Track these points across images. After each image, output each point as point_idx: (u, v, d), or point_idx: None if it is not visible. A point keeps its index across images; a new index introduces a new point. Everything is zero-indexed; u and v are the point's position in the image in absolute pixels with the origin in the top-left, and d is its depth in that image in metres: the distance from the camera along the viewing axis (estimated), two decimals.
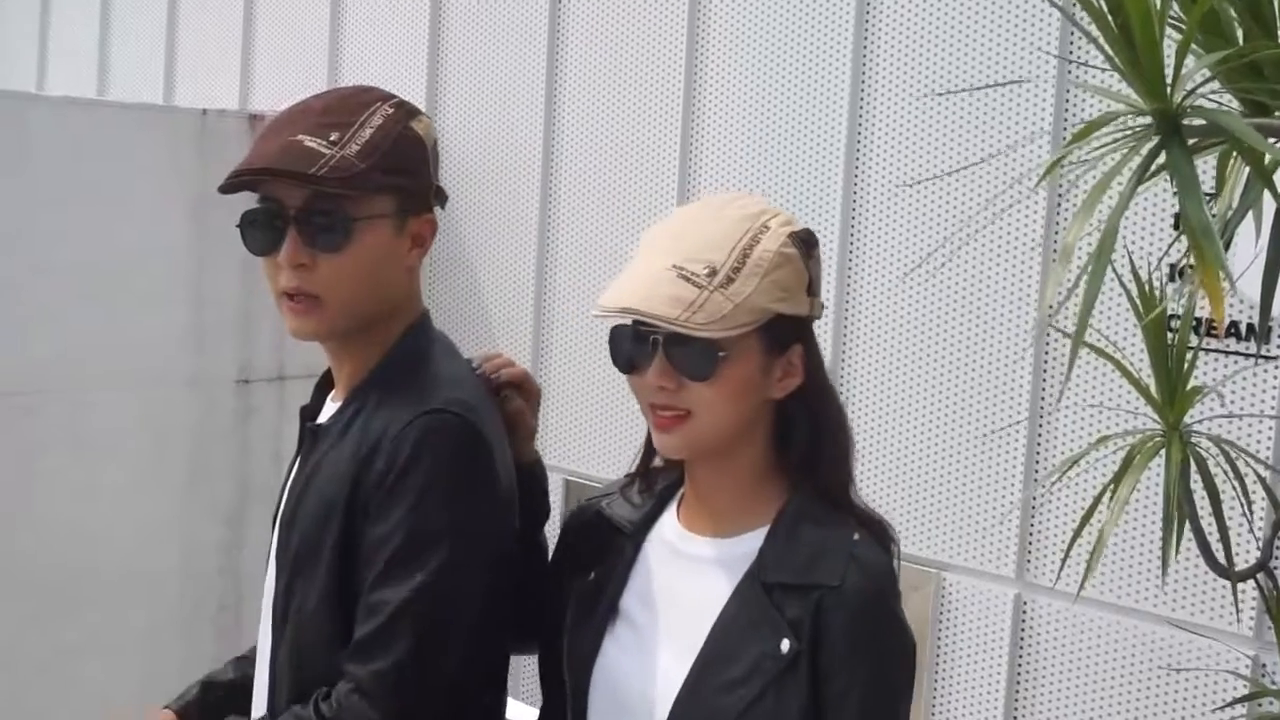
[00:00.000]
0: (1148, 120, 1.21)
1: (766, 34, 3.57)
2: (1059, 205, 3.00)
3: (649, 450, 1.83)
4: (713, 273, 1.65)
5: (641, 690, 1.73)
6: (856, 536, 1.70)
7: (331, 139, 1.83)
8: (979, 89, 3.07)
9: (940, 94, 3.13)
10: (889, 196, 3.31)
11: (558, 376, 4.00)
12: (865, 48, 3.36)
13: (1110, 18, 1.19)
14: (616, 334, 1.73)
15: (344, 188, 1.82)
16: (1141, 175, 1.21)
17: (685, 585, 1.76)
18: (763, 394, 1.72)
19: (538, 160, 4.13)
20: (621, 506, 1.87)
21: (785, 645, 1.64)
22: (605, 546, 1.84)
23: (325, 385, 2.03)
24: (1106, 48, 1.22)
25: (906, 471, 3.25)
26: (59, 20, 6.17)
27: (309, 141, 1.82)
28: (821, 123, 3.44)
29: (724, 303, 1.64)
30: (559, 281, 4.08)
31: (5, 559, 4.01)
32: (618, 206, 3.91)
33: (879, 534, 1.75)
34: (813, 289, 1.74)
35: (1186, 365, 2.16)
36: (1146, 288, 2.15)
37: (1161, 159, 1.20)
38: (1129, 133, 1.23)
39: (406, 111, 1.93)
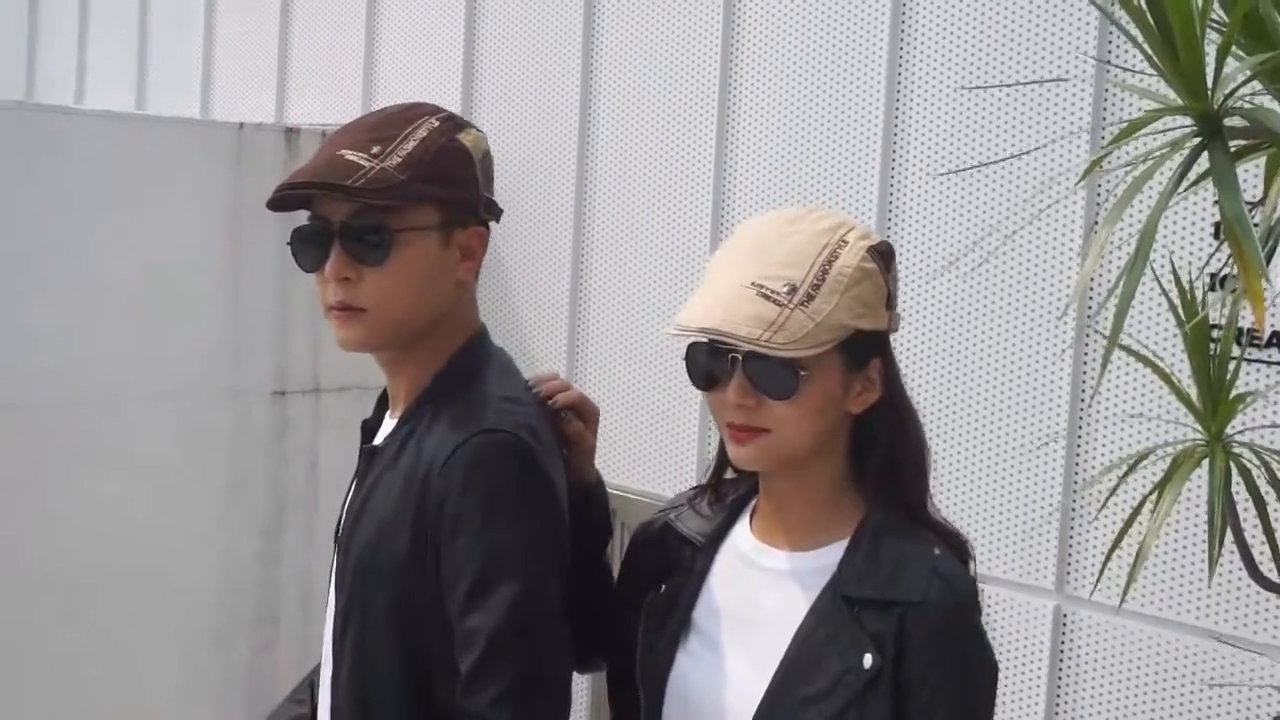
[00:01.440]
0: (1188, 121, 1.19)
1: (803, 32, 3.55)
2: (1098, 210, 2.97)
3: (720, 462, 1.82)
4: (793, 290, 1.62)
5: (717, 704, 1.71)
6: (937, 551, 1.69)
7: (373, 152, 1.83)
8: (1016, 85, 3.04)
9: (976, 88, 3.10)
10: (925, 198, 3.28)
11: (592, 387, 3.98)
12: (901, 45, 3.34)
13: (1150, 18, 1.18)
14: (693, 351, 1.71)
15: (382, 199, 1.81)
16: (1181, 176, 1.19)
17: (760, 598, 1.74)
18: (841, 409, 1.71)
19: (572, 172, 4.13)
20: (691, 519, 1.85)
21: (869, 660, 1.62)
22: (675, 559, 1.82)
23: (386, 400, 2.02)
24: (1146, 48, 1.21)
25: (943, 481, 3.22)
26: (97, 35, 6.23)
27: (351, 155, 1.83)
28: (857, 123, 3.42)
29: (805, 321, 1.61)
30: (594, 293, 4.07)
31: (40, 570, 4.02)
32: (653, 217, 3.90)
33: (958, 549, 1.74)
34: (891, 302, 1.73)
35: (1229, 375, 2.13)
36: (1188, 295, 2.12)
37: (1202, 161, 1.19)
38: (1170, 132, 1.21)
39: (454, 124, 1.92)
